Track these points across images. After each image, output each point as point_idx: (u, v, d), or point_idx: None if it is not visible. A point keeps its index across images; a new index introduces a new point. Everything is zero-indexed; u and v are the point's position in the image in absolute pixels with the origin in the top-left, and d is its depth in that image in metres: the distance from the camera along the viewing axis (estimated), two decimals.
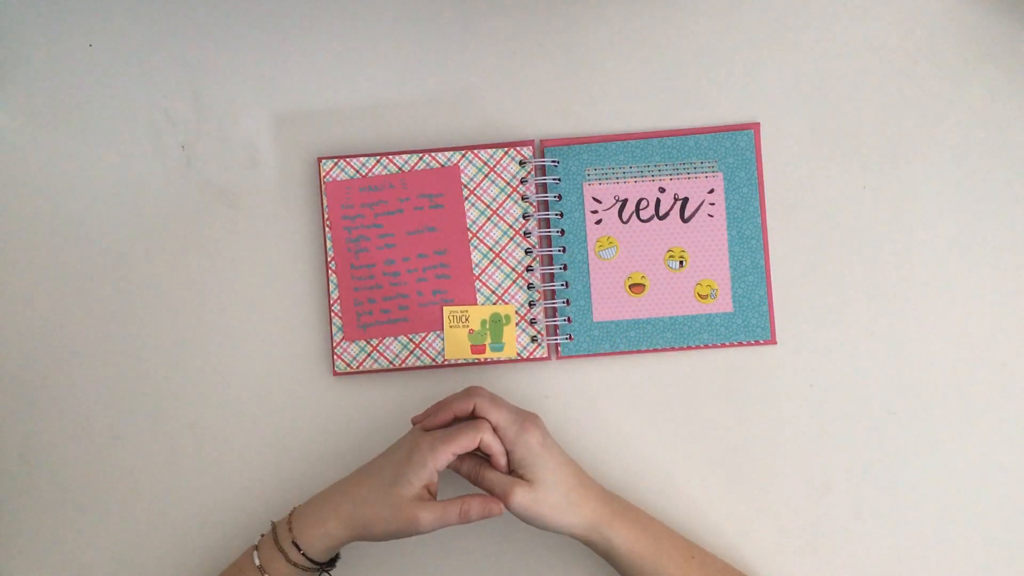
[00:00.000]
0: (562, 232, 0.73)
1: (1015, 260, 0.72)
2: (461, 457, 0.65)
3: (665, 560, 0.64)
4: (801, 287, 0.72)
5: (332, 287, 0.73)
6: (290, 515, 0.65)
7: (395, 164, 0.73)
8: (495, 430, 0.64)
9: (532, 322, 0.72)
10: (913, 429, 0.71)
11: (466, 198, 0.73)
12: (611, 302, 0.72)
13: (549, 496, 0.63)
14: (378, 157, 0.73)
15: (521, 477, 0.63)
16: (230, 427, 0.73)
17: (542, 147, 0.73)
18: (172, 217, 0.75)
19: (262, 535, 0.66)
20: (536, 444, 0.63)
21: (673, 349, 0.72)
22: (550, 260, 0.73)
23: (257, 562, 0.64)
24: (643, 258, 0.73)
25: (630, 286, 0.73)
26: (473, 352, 0.72)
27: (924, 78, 0.73)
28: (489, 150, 0.73)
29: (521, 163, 0.73)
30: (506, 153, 0.73)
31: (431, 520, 0.61)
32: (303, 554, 0.63)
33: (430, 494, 0.63)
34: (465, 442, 0.62)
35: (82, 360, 0.74)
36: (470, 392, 0.65)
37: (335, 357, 0.73)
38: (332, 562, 0.67)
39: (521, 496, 0.62)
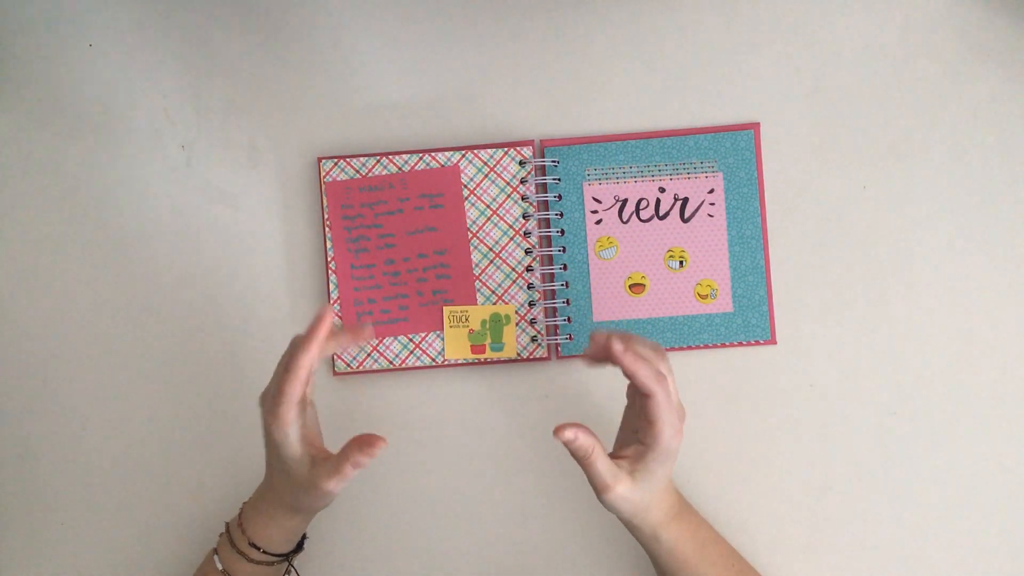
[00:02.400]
0: (562, 232, 0.73)
1: (1015, 260, 0.72)
2: (585, 431, 0.57)
3: (707, 566, 0.63)
4: (801, 287, 0.72)
5: (332, 287, 0.73)
6: (240, 515, 0.64)
7: (395, 164, 0.73)
8: (652, 425, 0.56)
9: (532, 322, 0.72)
10: (913, 429, 0.71)
11: (466, 198, 0.73)
12: (611, 302, 0.72)
13: (642, 497, 0.59)
14: (378, 157, 0.73)
15: (630, 463, 0.59)
16: (230, 427, 0.73)
17: (542, 147, 0.73)
18: (172, 217, 0.75)
19: (220, 535, 0.65)
20: (674, 453, 0.58)
21: (673, 349, 0.72)
22: (550, 260, 0.73)
23: (220, 567, 0.63)
24: (643, 258, 0.73)
25: (630, 286, 0.73)
26: (473, 352, 0.72)
27: (924, 78, 0.73)
28: (489, 150, 0.73)
29: (521, 163, 0.73)
30: (506, 153, 0.73)
31: (336, 483, 0.58)
32: (263, 551, 0.63)
33: (316, 445, 0.60)
34: (292, 377, 0.57)
35: (82, 360, 0.74)
36: (659, 357, 0.58)
37: (335, 357, 0.73)
38: (299, 547, 0.66)
39: (622, 490, 0.58)
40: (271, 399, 0.58)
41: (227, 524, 0.65)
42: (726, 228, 0.72)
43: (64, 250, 0.75)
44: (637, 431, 0.59)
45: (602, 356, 0.57)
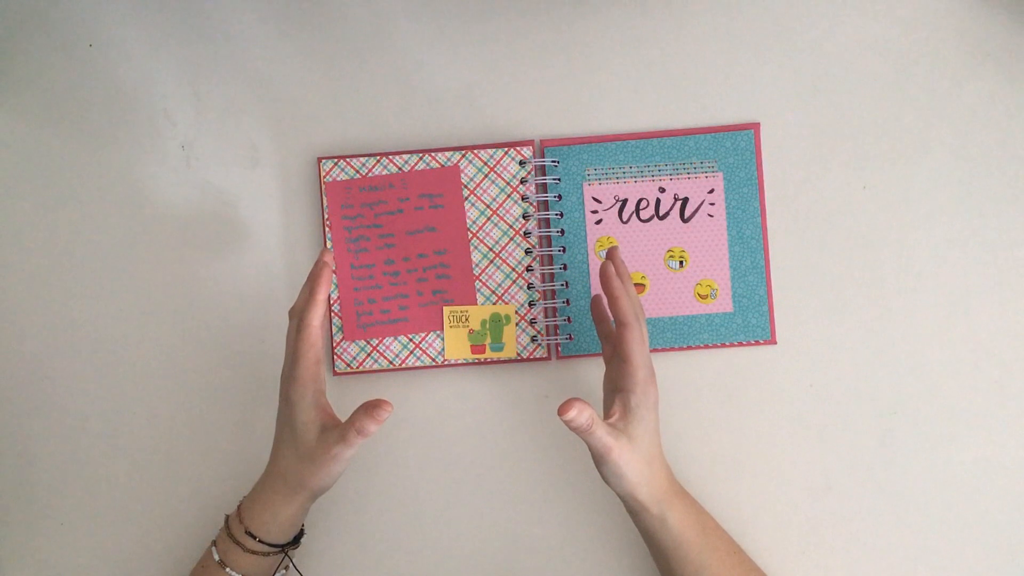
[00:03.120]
0: (562, 232, 0.73)
1: (1015, 260, 0.72)
2: (578, 407, 0.58)
3: (709, 552, 0.63)
4: (801, 287, 0.72)
5: (332, 287, 0.73)
6: (240, 505, 0.65)
7: (395, 164, 0.73)
8: (627, 363, 0.61)
9: (532, 322, 0.72)
10: (913, 429, 0.71)
11: (466, 198, 0.73)
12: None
13: (640, 455, 0.61)
14: (378, 157, 0.73)
15: (619, 418, 0.61)
16: (230, 427, 0.73)
17: (542, 147, 0.73)
18: (172, 217, 0.75)
19: (220, 528, 0.65)
20: (653, 402, 0.62)
21: (673, 349, 0.72)
22: (550, 260, 0.73)
23: (216, 557, 0.63)
24: (643, 258, 0.73)
25: None
26: (473, 352, 0.72)
27: (924, 78, 0.73)
28: (489, 150, 0.73)
29: (521, 163, 0.73)
30: (506, 153, 0.73)
31: (343, 449, 0.60)
32: (259, 540, 0.63)
33: (328, 415, 0.62)
34: (313, 302, 0.61)
35: (82, 360, 0.74)
36: (626, 319, 0.62)
37: (335, 357, 0.73)
38: (296, 540, 0.66)
39: (624, 450, 0.60)
40: (289, 365, 0.61)
41: (227, 516, 0.65)
42: (726, 228, 0.72)
43: (64, 250, 0.75)
44: (615, 387, 0.63)
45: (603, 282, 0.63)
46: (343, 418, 0.62)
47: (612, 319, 0.64)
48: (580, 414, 0.58)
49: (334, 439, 0.60)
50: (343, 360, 0.73)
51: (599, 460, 0.61)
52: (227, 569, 0.63)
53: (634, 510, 0.63)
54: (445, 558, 0.72)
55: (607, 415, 0.63)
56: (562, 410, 0.58)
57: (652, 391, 0.62)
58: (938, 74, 0.73)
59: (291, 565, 0.66)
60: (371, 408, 0.59)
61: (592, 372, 0.73)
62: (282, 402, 0.63)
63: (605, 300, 0.64)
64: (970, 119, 0.73)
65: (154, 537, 0.73)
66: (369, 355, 0.72)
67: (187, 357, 0.74)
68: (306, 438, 0.61)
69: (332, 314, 0.73)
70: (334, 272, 0.73)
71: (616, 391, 0.63)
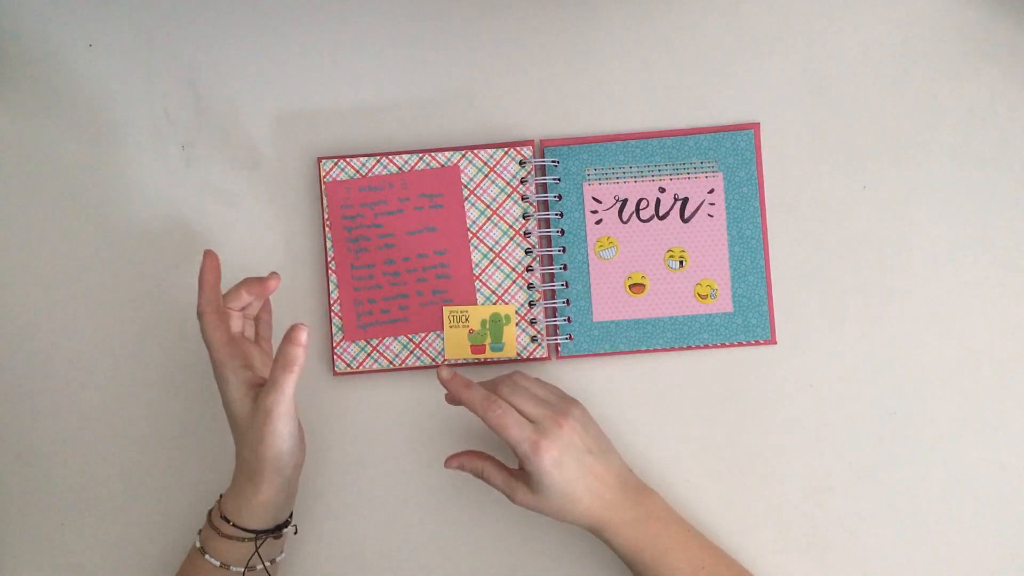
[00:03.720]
0: (562, 232, 0.73)
1: (1015, 260, 0.72)
2: (469, 457, 0.66)
3: (668, 573, 0.63)
4: (801, 287, 0.72)
5: (332, 287, 0.73)
6: (221, 495, 0.66)
7: (395, 164, 0.73)
8: (505, 441, 0.62)
9: (532, 322, 0.72)
10: (913, 429, 0.71)
11: (466, 198, 0.73)
12: (611, 302, 0.72)
13: (551, 504, 0.63)
14: (378, 157, 0.73)
15: (522, 473, 0.63)
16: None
17: (542, 147, 0.73)
18: (172, 217, 0.75)
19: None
20: (550, 463, 0.61)
21: (673, 349, 0.72)
22: (550, 260, 0.73)
23: (198, 544, 0.64)
24: (643, 258, 0.73)
25: (630, 286, 0.73)
26: (473, 352, 0.72)
27: (924, 78, 0.73)
28: (489, 150, 0.73)
29: (521, 163, 0.73)
30: (506, 153, 0.73)
31: (275, 398, 0.60)
32: (233, 524, 0.63)
33: (259, 383, 0.64)
34: (207, 289, 0.65)
35: (82, 360, 0.74)
36: (497, 382, 0.65)
37: (335, 357, 0.73)
38: (277, 529, 0.65)
39: (522, 498, 0.64)
40: (202, 311, 0.65)
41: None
42: (726, 228, 0.72)
43: (64, 250, 0.75)
44: None
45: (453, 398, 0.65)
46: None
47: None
48: (463, 464, 0.66)
49: (264, 393, 0.61)
50: (343, 360, 0.73)
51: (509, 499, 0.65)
52: (206, 555, 0.63)
53: None
54: (444, 558, 0.72)
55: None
56: (446, 464, 0.67)
57: (541, 462, 0.61)
58: (938, 74, 0.73)
59: (257, 554, 0.64)
60: (288, 335, 0.60)
61: (592, 372, 0.73)
62: (218, 388, 0.65)
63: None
64: (970, 119, 0.73)
65: (153, 537, 0.73)
66: (369, 355, 0.72)
67: (187, 357, 0.74)
68: (241, 412, 0.63)
69: (332, 314, 0.73)
70: (333, 272, 0.73)
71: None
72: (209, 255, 0.67)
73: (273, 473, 0.62)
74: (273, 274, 0.68)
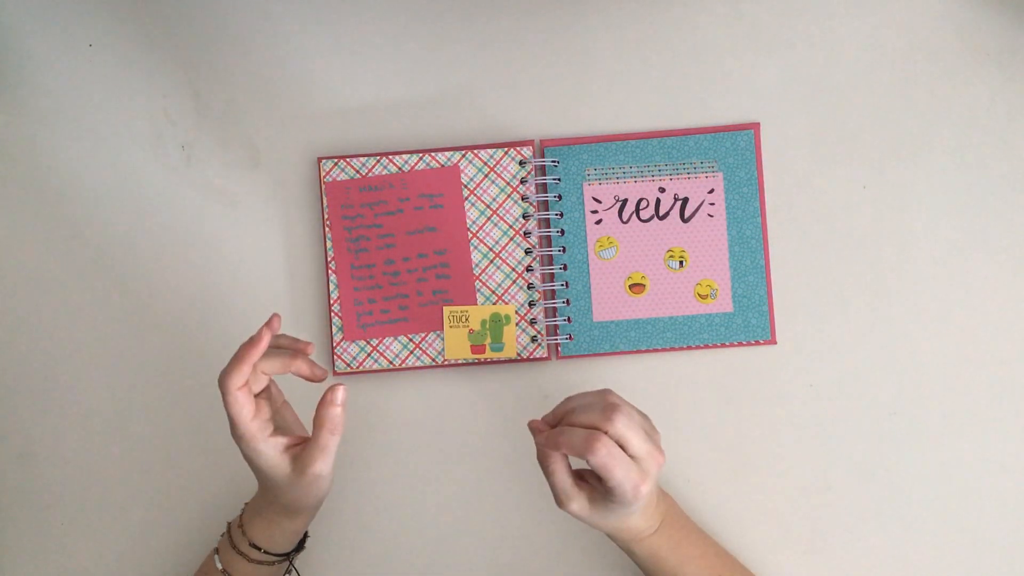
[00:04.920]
0: (562, 232, 0.73)
1: (1015, 260, 0.72)
2: (550, 440, 0.57)
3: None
4: (801, 287, 0.72)
5: (332, 287, 0.73)
6: (241, 515, 0.64)
7: (395, 164, 0.73)
8: (607, 482, 0.55)
9: (532, 322, 0.72)
10: (913, 429, 0.71)
11: (466, 198, 0.73)
12: (611, 302, 0.72)
13: (600, 520, 0.59)
14: (378, 157, 0.73)
15: (589, 492, 0.58)
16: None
17: (542, 147, 0.73)
18: (172, 217, 0.75)
19: (221, 535, 0.65)
20: (638, 504, 0.56)
21: (673, 349, 0.72)
22: (550, 260, 0.73)
23: (219, 566, 0.63)
24: (643, 258, 0.73)
25: (630, 286, 0.73)
26: (473, 352, 0.72)
27: (924, 78, 0.73)
28: (489, 150, 0.73)
29: (521, 163, 0.73)
30: (506, 153, 0.73)
31: (322, 463, 0.58)
32: (264, 551, 0.63)
33: (295, 439, 0.60)
34: (247, 361, 0.58)
35: (82, 360, 0.74)
36: (607, 409, 0.56)
37: (335, 357, 0.73)
38: (301, 544, 0.66)
39: (577, 509, 0.58)
40: (230, 423, 0.59)
41: (228, 524, 0.65)
42: (726, 228, 0.72)
43: (64, 250, 0.75)
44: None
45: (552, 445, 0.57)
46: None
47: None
48: (552, 456, 0.57)
49: (310, 459, 0.58)
50: (343, 360, 0.73)
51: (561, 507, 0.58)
52: None
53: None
54: (445, 558, 0.72)
55: (588, 474, 0.59)
56: (535, 425, 0.58)
57: (633, 494, 0.55)
58: (938, 74, 0.73)
59: (294, 571, 0.66)
60: (326, 397, 0.59)
61: (592, 372, 0.73)
62: (242, 454, 0.60)
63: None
64: (970, 119, 0.73)
65: (154, 537, 0.73)
66: (369, 355, 0.72)
67: (187, 356, 0.74)
68: (281, 474, 0.60)
69: (332, 314, 0.73)
70: (333, 272, 0.73)
71: (606, 490, 0.56)
72: (264, 334, 0.59)
73: (310, 511, 0.63)
74: (274, 316, 0.61)
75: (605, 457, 0.54)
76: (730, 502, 0.71)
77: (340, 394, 0.59)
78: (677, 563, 0.63)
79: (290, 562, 0.65)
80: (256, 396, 0.60)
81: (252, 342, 0.59)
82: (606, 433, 0.55)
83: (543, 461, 0.58)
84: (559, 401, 0.73)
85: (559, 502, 0.58)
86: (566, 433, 0.55)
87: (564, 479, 0.57)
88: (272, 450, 0.59)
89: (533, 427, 0.59)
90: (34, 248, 0.75)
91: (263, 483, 0.62)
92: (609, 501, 0.57)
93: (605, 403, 0.56)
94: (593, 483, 0.58)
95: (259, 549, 0.63)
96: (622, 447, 0.55)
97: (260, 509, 0.63)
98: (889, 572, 0.71)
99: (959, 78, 0.73)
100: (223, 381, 0.58)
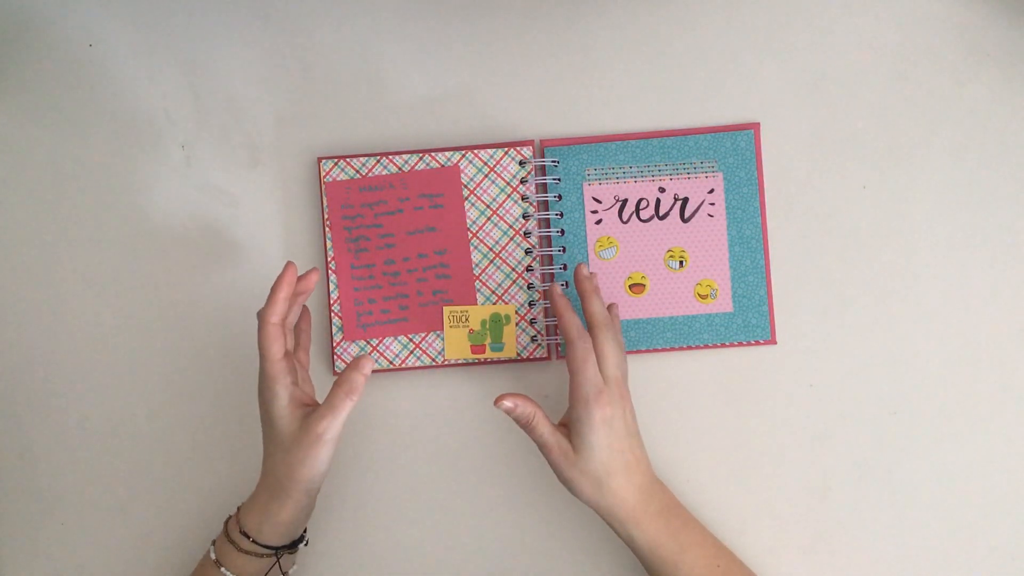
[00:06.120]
0: (562, 232, 0.73)
1: (1015, 260, 0.72)
2: (523, 400, 0.63)
3: (686, 570, 0.63)
4: (801, 287, 0.72)
5: (332, 287, 0.73)
6: (238, 508, 0.65)
7: (395, 164, 0.73)
8: (571, 378, 0.63)
9: (532, 322, 0.72)
10: (913, 429, 0.71)
11: (466, 198, 0.73)
12: (611, 302, 0.72)
13: (588, 469, 0.62)
14: (378, 157, 0.73)
15: (570, 438, 0.63)
16: (230, 427, 0.73)
17: (542, 147, 0.73)
18: (172, 217, 0.75)
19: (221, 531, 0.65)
20: (599, 420, 0.62)
21: (673, 349, 0.72)
22: (550, 260, 0.73)
23: (213, 556, 0.64)
24: (643, 258, 0.73)
25: (630, 286, 0.73)
26: (473, 352, 0.72)
27: (924, 78, 0.73)
28: (489, 150, 0.73)
29: (521, 163, 0.73)
30: (506, 153, 0.73)
31: (329, 422, 0.60)
32: (252, 541, 0.63)
33: (309, 404, 0.63)
34: (279, 299, 0.62)
35: (82, 360, 0.74)
36: (603, 322, 0.65)
37: (335, 357, 0.73)
38: (294, 545, 0.66)
39: (560, 459, 0.63)
40: (260, 359, 0.62)
41: (228, 517, 0.65)
42: (726, 228, 0.72)
43: (64, 250, 0.75)
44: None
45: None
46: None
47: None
48: (517, 405, 0.62)
49: (319, 415, 0.60)
50: (343, 360, 0.73)
51: (546, 458, 0.63)
52: (221, 568, 0.63)
53: (606, 521, 0.64)
54: (444, 558, 0.72)
55: (559, 421, 0.65)
56: (497, 402, 0.62)
57: (597, 410, 0.62)
58: (938, 74, 0.73)
59: (279, 568, 0.65)
60: (354, 362, 0.60)
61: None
62: (259, 400, 0.63)
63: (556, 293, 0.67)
64: (970, 119, 0.73)
65: (154, 537, 0.73)
66: (369, 355, 0.72)
67: (187, 356, 0.74)
68: (287, 429, 0.61)
69: (332, 314, 0.73)
70: (333, 272, 0.73)
71: (569, 401, 0.64)
72: (290, 267, 0.63)
73: (301, 494, 0.62)
74: (313, 269, 0.66)
75: (583, 352, 0.63)
76: (730, 502, 0.71)
77: (367, 365, 0.61)
78: (677, 549, 0.63)
79: (276, 557, 0.64)
80: (287, 355, 0.63)
81: (283, 277, 0.63)
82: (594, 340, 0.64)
83: (525, 423, 0.63)
84: (559, 401, 0.73)
85: (548, 455, 0.63)
86: (568, 316, 0.65)
87: (547, 426, 0.63)
88: (287, 397, 0.61)
89: (553, 287, 0.67)
90: (34, 248, 0.75)
91: (267, 438, 0.63)
92: (574, 410, 0.62)
93: (604, 316, 0.65)
94: (567, 425, 0.64)
95: (248, 538, 0.63)
96: (598, 357, 0.63)
97: (254, 497, 0.64)
98: (889, 572, 0.71)
99: (959, 78, 0.73)
100: (262, 312, 0.62)
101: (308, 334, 0.70)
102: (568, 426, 0.64)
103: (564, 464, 0.62)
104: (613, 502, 0.62)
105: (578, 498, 0.63)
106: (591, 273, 0.68)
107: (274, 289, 0.62)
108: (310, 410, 0.62)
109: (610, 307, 0.69)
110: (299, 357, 0.68)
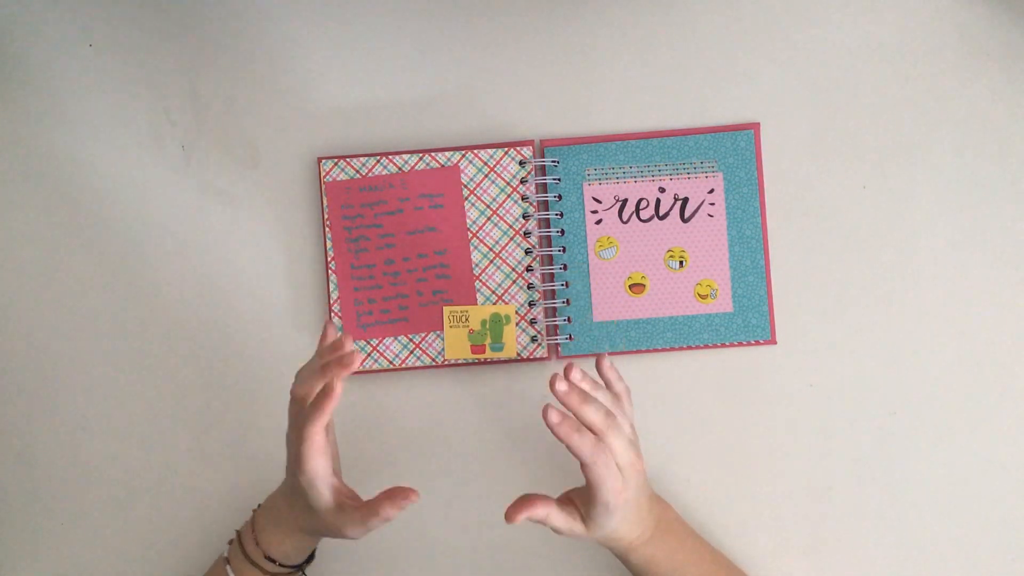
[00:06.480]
0: (562, 232, 0.73)
1: (1015, 260, 0.72)
2: (531, 505, 0.58)
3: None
4: (801, 287, 0.72)
5: (332, 287, 0.73)
6: (253, 526, 0.64)
7: (395, 164, 0.73)
8: (592, 484, 0.58)
9: (532, 322, 0.72)
10: (913, 429, 0.71)
11: (466, 198, 0.73)
12: (611, 302, 0.72)
13: (601, 536, 0.61)
14: (378, 157, 0.73)
15: (581, 510, 0.60)
16: (231, 427, 0.73)
17: (542, 147, 0.73)
18: (172, 217, 0.75)
19: (229, 543, 0.65)
20: (618, 515, 0.59)
21: (673, 349, 0.72)
22: (550, 260, 0.73)
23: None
24: (643, 258, 0.73)
25: (630, 286, 0.73)
26: (473, 352, 0.72)
27: (924, 78, 0.73)
28: (489, 150, 0.73)
29: (521, 163, 0.73)
30: (506, 153, 0.73)
31: (360, 533, 0.59)
32: (279, 564, 0.63)
33: (343, 493, 0.60)
34: (320, 419, 0.56)
35: (82, 360, 0.74)
36: (608, 418, 0.58)
37: None
38: (312, 556, 0.66)
39: (569, 535, 0.60)
40: (301, 459, 0.57)
41: (238, 533, 0.65)
42: (726, 228, 0.72)
43: (64, 250, 0.75)
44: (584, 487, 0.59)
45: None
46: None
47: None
48: (531, 514, 0.58)
49: (353, 522, 0.58)
50: None
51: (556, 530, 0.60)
52: None
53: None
54: (445, 558, 0.72)
55: (575, 494, 0.61)
56: (511, 517, 0.57)
57: (618, 510, 0.58)
58: (938, 74, 0.73)
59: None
60: (396, 495, 0.58)
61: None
62: (291, 479, 0.60)
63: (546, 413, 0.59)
64: (970, 119, 0.73)
65: (154, 537, 0.73)
66: (369, 355, 0.72)
67: (187, 357, 0.74)
68: (321, 515, 0.60)
69: (332, 314, 0.73)
70: (334, 272, 0.73)
71: (587, 494, 0.59)
72: (351, 356, 0.57)
73: (330, 536, 0.62)
74: (351, 349, 0.59)
75: (603, 467, 0.57)
76: (730, 502, 0.71)
77: (410, 500, 0.58)
78: (671, 569, 0.63)
79: (303, 571, 0.66)
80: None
81: (329, 393, 0.57)
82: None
83: (532, 509, 0.58)
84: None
85: (563, 534, 0.60)
86: (575, 437, 0.57)
87: (563, 519, 0.59)
88: (326, 492, 0.59)
89: (546, 411, 0.58)
90: (34, 248, 0.75)
91: (297, 506, 0.61)
92: (592, 510, 0.59)
93: (602, 422, 0.58)
94: (576, 501, 0.61)
95: (275, 562, 0.63)
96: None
97: (279, 522, 0.63)
98: (889, 572, 0.71)
99: (959, 78, 0.73)
100: (305, 429, 0.57)
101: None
102: (580, 506, 0.60)
103: (579, 535, 0.60)
104: (614, 539, 0.62)
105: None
106: (559, 419, 0.57)
107: (322, 403, 0.56)
108: (347, 503, 0.59)
109: (599, 360, 0.63)
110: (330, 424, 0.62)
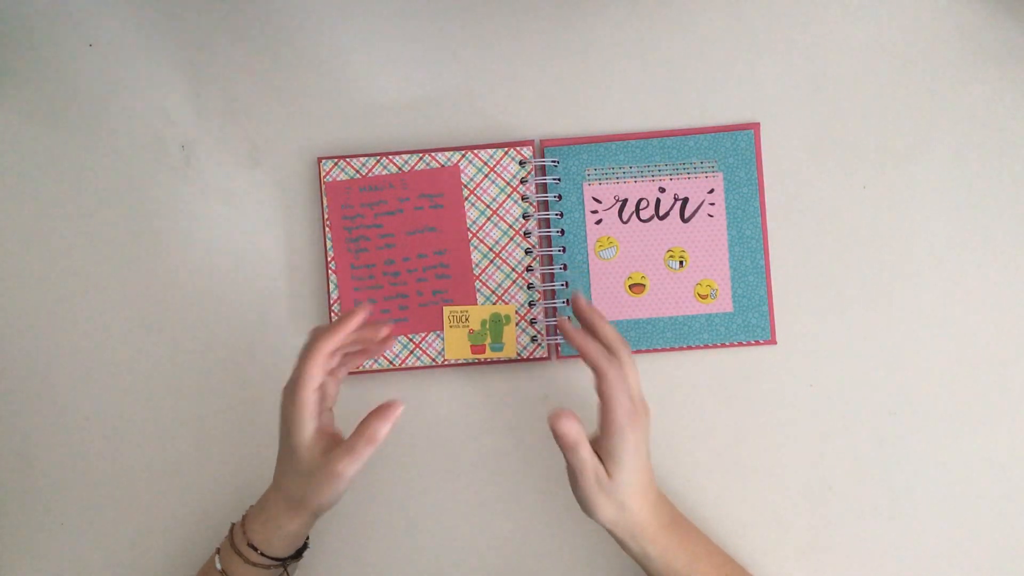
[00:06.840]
0: (562, 232, 0.73)
1: (1015, 260, 0.72)
2: (571, 424, 0.59)
3: None
4: (801, 287, 0.72)
5: (332, 287, 0.73)
6: (244, 516, 0.64)
7: (395, 164, 0.73)
8: (606, 403, 0.59)
9: (532, 322, 0.72)
10: (913, 429, 0.71)
11: (466, 198, 0.73)
12: (611, 302, 0.72)
13: (615, 493, 0.61)
14: (378, 157, 0.73)
15: (601, 461, 0.60)
16: (231, 427, 0.73)
17: (542, 147, 0.73)
18: (172, 217, 0.75)
19: (225, 537, 0.65)
20: (633, 446, 0.60)
21: (673, 349, 0.72)
22: (550, 260, 0.73)
23: (219, 566, 0.63)
24: (643, 258, 0.73)
25: (630, 286, 0.73)
26: (473, 352, 0.72)
27: (924, 78, 0.73)
28: (489, 150, 0.73)
29: (521, 163, 0.73)
30: (506, 153, 0.73)
31: (349, 464, 0.59)
32: (261, 553, 0.63)
33: (332, 435, 0.62)
34: (333, 339, 0.59)
35: (82, 360, 0.74)
36: (624, 347, 0.62)
37: None
38: (299, 553, 0.66)
39: (591, 481, 0.60)
40: (291, 382, 0.60)
41: (232, 525, 0.65)
42: (726, 228, 0.72)
43: (64, 250, 0.75)
44: (600, 424, 0.61)
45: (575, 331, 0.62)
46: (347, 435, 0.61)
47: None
48: (571, 428, 0.59)
49: (339, 455, 0.59)
50: None
51: (574, 481, 0.61)
52: None
53: (617, 539, 0.63)
54: (444, 558, 0.72)
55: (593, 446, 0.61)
56: (554, 421, 0.59)
57: (631, 435, 0.59)
58: (938, 74, 0.73)
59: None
60: (381, 409, 0.59)
61: (590, 373, 0.73)
62: (281, 420, 0.61)
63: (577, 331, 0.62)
64: (970, 119, 0.73)
65: (153, 537, 0.73)
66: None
67: (187, 357, 0.74)
68: (306, 458, 0.60)
69: (332, 314, 0.73)
70: (334, 272, 0.73)
71: (600, 427, 0.61)
72: (364, 307, 0.61)
73: (312, 515, 0.63)
74: (390, 335, 0.63)
75: (617, 382, 0.59)
76: (730, 502, 0.71)
77: (396, 412, 0.59)
78: (689, 560, 0.63)
79: (285, 568, 0.65)
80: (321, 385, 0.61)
81: (355, 314, 0.61)
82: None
83: (572, 444, 0.59)
84: (559, 401, 0.73)
85: (581, 478, 0.60)
86: (591, 344, 0.60)
87: (589, 450, 0.60)
88: (313, 428, 0.60)
89: (561, 322, 0.63)
90: (34, 248, 0.75)
91: (285, 462, 0.62)
92: (608, 441, 0.59)
93: (620, 338, 0.62)
94: (594, 448, 0.61)
95: (256, 550, 0.62)
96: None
97: (263, 507, 0.63)
98: (889, 572, 0.71)
99: (959, 78, 0.73)
100: (318, 338, 0.59)
101: (347, 370, 0.65)
102: (599, 450, 0.61)
103: (594, 488, 0.60)
104: (632, 522, 0.62)
105: (594, 519, 0.61)
106: (573, 329, 0.62)
107: (342, 319, 0.60)
108: (332, 441, 0.61)
109: (574, 296, 0.66)
110: (337, 374, 0.65)
